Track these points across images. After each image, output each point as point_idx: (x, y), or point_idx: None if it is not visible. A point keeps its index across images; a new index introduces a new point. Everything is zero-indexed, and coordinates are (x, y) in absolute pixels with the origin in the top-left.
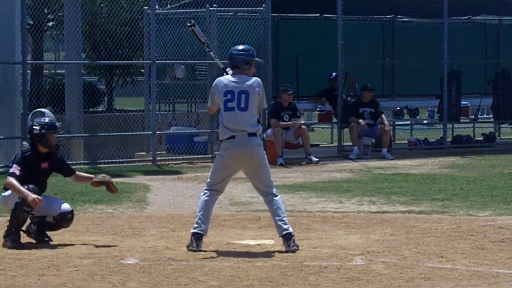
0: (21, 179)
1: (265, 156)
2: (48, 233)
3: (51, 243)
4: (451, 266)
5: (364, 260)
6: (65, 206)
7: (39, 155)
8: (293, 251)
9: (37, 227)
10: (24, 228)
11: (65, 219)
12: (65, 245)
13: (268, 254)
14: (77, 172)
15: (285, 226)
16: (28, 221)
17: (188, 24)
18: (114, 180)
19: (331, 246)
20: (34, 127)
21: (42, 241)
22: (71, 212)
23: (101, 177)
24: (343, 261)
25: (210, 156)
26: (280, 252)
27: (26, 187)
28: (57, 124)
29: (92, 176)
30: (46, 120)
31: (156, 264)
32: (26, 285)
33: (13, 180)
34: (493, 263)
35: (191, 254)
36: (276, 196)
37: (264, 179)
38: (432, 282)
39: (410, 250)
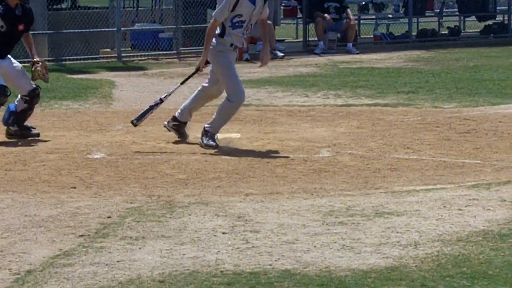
0: None
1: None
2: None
3: (36, 131)
4: (417, 157)
5: (330, 152)
6: (28, 83)
7: (15, 15)
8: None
9: (17, 125)
10: (6, 136)
11: (35, 96)
12: (32, 140)
13: (235, 147)
14: (29, 35)
15: (208, 122)
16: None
17: None
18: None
19: (298, 139)
20: None
21: (31, 135)
22: (37, 87)
23: (38, 68)
24: (310, 153)
25: (175, 52)
26: (247, 145)
27: None
28: None
29: (34, 54)
30: None
31: (122, 158)
32: None
33: None
34: (459, 154)
35: (157, 148)
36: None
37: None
38: (399, 173)
39: (377, 142)
